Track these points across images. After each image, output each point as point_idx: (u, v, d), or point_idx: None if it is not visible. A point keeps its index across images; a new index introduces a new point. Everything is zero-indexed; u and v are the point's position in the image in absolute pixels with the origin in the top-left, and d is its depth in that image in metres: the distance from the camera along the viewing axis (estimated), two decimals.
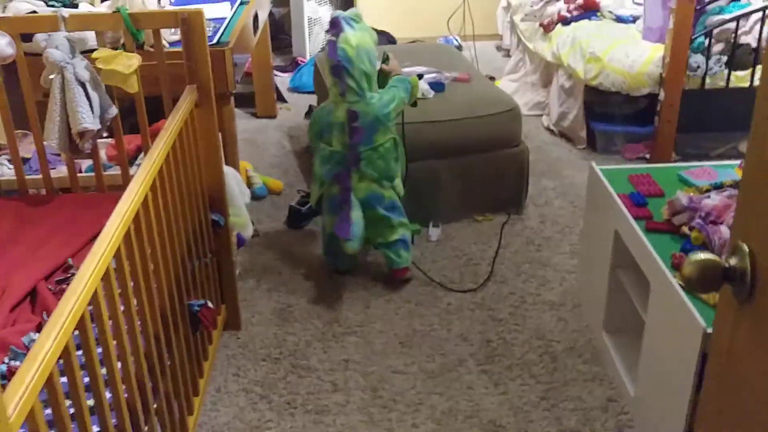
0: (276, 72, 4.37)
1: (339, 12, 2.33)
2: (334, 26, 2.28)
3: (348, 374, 2.17)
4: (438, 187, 2.87)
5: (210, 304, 1.90)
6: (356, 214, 2.37)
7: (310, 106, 3.95)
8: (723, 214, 1.86)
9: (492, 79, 4.22)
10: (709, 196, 1.93)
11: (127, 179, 2.23)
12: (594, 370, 2.15)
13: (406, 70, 3.12)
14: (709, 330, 1.53)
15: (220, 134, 2.17)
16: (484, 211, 2.97)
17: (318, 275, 2.64)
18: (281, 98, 4.20)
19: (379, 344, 2.29)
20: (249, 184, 3.15)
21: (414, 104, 2.50)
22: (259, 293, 2.55)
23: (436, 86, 2.97)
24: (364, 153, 2.36)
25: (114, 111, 2.06)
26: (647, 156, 3.31)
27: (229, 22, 2.71)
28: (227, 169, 2.41)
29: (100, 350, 1.29)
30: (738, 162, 2.22)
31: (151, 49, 2.12)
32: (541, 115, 3.85)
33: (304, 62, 4.54)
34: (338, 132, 2.36)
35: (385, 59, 2.51)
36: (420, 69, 3.11)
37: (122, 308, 1.43)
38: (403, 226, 2.52)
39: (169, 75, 2.07)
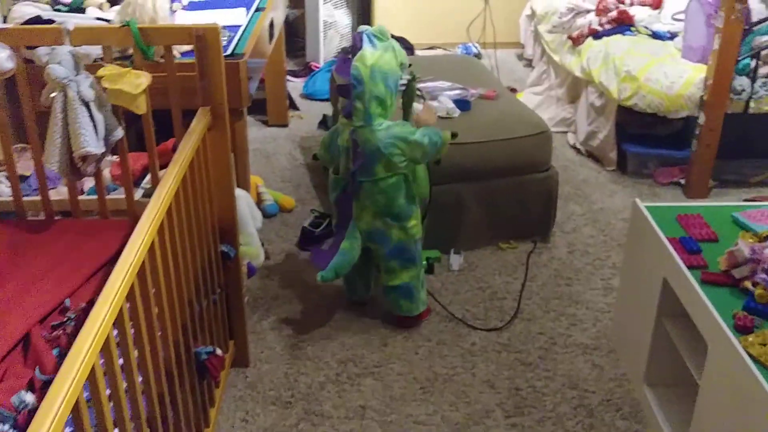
0: (288, 77, 4.18)
1: (364, 27, 2.15)
2: (354, 42, 2.10)
3: (365, 423, 2.00)
4: (460, 211, 2.70)
5: (219, 351, 1.73)
6: (348, 245, 2.18)
7: (324, 116, 3.77)
8: None
9: (513, 90, 4.03)
10: None
11: (131, 204, 2.06)
12: (635, 428, 1.97)
13: (429, 84, 2.95)
14: None
15: (232, 155, 2.00)
16: (509, 238, 2.80)
17: (332, 305, 2.47)
18: (293, 105, 4.01)
19: (398, 389, 2.12)
20: (259, 201, 2.98)
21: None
22: (268, 325, 2.38)
23: (462, 104, 2.79)
24: (364, 184, 2.15)
25: (120, 133, 1.89)
26: (682, 181, 3.13)
27: (244, 31, 2.53)
28: (238, 192, 2.23)
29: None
30: None
31: (162, 60, 1.95)
32: (567, 132, 3.66)
33: (318, 68, 4.35)
34: (344, 156, 2.19)
35: (412, 79, 2.31)
36: (443, 84, 2.93)
37: (121, 361, 1.27)
38: (408, 272, 2.28)
39: (179, 88, 1.90)
